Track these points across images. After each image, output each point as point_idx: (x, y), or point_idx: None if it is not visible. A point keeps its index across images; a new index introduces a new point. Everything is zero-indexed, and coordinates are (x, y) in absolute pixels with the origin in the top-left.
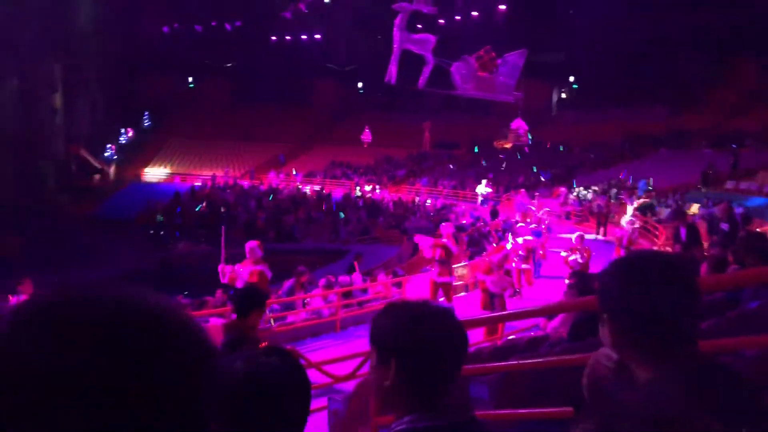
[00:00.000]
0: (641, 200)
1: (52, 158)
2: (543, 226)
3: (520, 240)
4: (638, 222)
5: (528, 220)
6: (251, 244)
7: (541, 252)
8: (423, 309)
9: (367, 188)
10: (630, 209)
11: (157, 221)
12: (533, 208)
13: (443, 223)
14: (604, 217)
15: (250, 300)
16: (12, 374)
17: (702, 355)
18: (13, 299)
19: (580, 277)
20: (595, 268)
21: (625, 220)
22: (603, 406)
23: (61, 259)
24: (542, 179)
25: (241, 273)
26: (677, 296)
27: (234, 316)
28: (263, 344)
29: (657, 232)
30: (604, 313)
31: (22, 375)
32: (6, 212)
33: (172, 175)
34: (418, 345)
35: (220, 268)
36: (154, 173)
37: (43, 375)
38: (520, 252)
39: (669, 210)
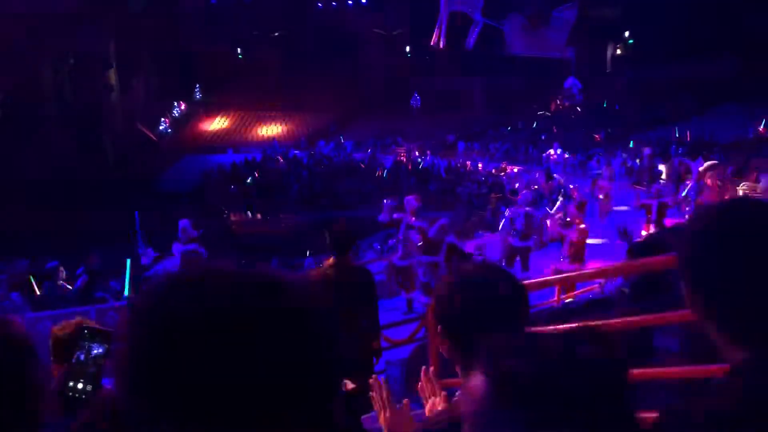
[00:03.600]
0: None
1: (110, 134)
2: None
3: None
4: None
5: (535, 187)
6: (183, 223)
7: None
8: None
9: (417, 154)
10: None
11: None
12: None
13: (407, 197)
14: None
15: (350, 237)
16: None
17: None
18: (80, 272)
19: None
20: None
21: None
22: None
23: (122, 232)
24: (597, 139)
25: (173, 251)
26: None
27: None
28: None
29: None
30: (684, 282)
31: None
32: (68, 188)
33: (224, 146)
34: (458, 310)
35: (140, 251)
36: (207, 145)
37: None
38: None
39: (731, 168)
